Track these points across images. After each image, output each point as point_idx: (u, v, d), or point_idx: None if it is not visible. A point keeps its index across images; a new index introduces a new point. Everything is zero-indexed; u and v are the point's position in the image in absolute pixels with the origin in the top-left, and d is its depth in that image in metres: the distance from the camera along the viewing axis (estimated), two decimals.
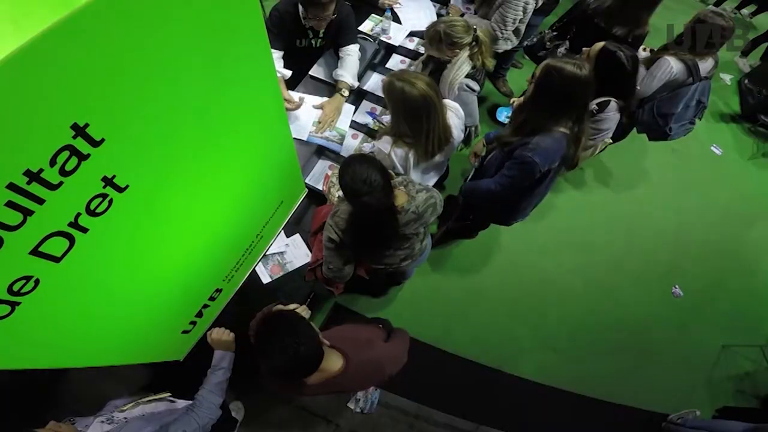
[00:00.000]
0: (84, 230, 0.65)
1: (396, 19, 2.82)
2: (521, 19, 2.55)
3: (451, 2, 2.96)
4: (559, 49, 2.55)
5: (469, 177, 2.21)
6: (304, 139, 2.20)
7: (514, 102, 2.26)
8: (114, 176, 0.64)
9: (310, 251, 1.98)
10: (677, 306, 2.99)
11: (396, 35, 2.74)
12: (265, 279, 1.88)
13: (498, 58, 3.48)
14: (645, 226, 3.29)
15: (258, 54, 0.80)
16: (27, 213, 0.56)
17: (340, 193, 1.83)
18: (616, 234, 3.22)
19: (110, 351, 0.97)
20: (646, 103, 2.51)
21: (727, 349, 2.87)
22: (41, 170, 0.55)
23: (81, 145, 0.58)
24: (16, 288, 0.60)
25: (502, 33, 2.57)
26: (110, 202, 0.65)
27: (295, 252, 1.93)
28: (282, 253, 1.91)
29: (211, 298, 1.21)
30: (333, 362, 1.30)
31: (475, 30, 2.02)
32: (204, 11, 0.65)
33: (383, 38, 2.73)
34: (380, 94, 2.19)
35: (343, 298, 2.60)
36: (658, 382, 2.74)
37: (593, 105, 2.03)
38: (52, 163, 0.56)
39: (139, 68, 0.61)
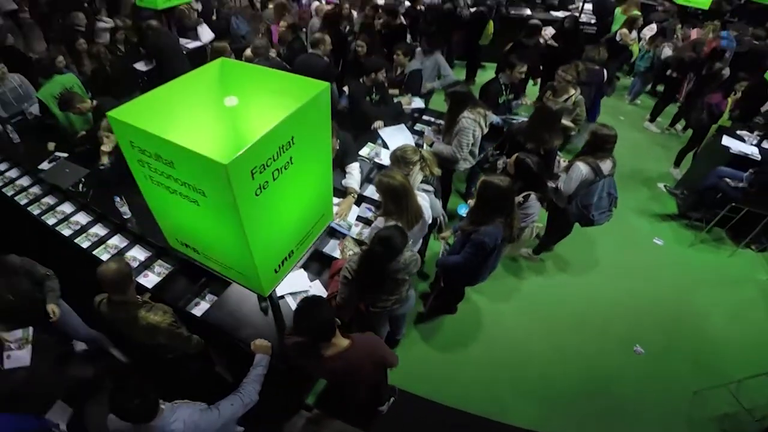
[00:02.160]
0: (282, 172, 1.42)
1: (385, 145, 3.82)
2: (473, 143, 3.46)
3: (425, 133, 4.00)
4: (498, 162, 3.42)
5: (440, 254, 2.98)
6: None
7: (469, 202, 3.10)
8: (291, 157, 1.45)
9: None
10: (641, 362, 3.34)
11: (385, 157, 3.65)
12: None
13: (467, 180, 4.47)
14: (600, 301, 3.81)
15: (327, 134, 1.68)
16: (281, 154, 1.36)
17: (351, 252, 2.55)
18: (574, 308, 3.73)
19: (265, 250, 1.57)
20: (573, 199, 3.28)
21: (699, 394, 3.09)
22: (283, 145, 1.36)
23: (291, 143, 1.41)
24: (275, 175, 1.38)
25: (459, 155, 3.47)
26: (288, 165, 1.45)
27: (315, 292, 2.61)
28: (306, 291, 2.61)
29: (289, 255, 1.76)
30: (342, 340, 1.90)
31: (421, 150, 2.92)
32: (315, 119, 1.55)
33: (376, 160, 3.68)
34: (375, 197, 3.03)
35: None
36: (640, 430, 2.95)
37: (519, 198, 2.86)
38: (287, 144, 1.37)
39: (304, 125, 1.47)
